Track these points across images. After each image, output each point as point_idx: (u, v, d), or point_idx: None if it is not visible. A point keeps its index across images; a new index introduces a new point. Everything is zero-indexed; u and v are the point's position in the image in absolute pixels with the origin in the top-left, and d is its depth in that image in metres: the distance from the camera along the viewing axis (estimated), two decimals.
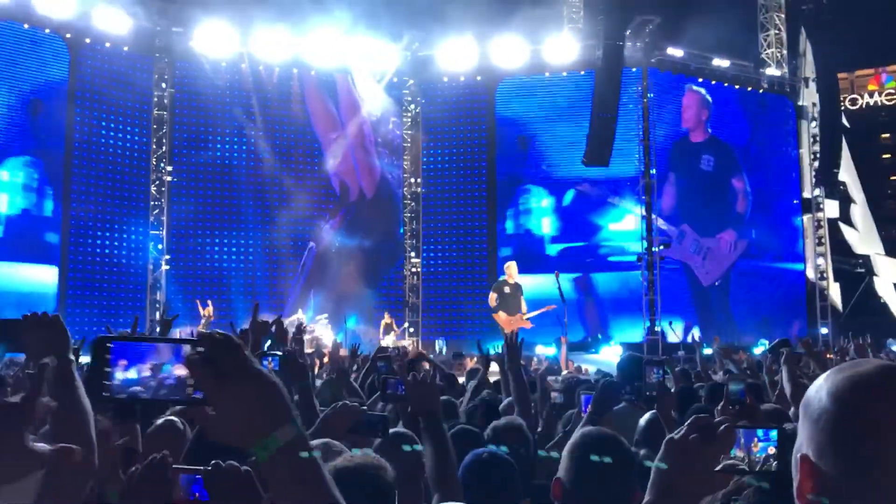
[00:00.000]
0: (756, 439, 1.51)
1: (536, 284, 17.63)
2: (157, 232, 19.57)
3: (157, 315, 19.18)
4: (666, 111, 22.56)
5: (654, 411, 3.26)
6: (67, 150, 18.86)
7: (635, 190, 21.44)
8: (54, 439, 1.91)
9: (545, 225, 22.42)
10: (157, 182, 19.79)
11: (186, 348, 1.23)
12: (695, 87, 22.85)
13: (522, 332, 15.07)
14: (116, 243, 19.34)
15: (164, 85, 19.95)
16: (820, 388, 1.14)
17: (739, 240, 23.16)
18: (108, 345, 1.21)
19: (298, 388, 3.32)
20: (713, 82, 23.04)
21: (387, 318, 19.56)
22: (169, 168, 19.91)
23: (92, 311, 18.33)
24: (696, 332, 19.83)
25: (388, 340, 18.30)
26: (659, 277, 20.95)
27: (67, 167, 18.82)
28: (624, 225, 22.08)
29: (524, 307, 15.58)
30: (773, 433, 1.52)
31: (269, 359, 3.53)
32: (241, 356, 1.19)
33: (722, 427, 1.43)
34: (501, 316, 15.47)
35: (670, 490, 1.49)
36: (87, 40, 18.86)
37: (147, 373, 1.19)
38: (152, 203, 19.67)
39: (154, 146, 19.78)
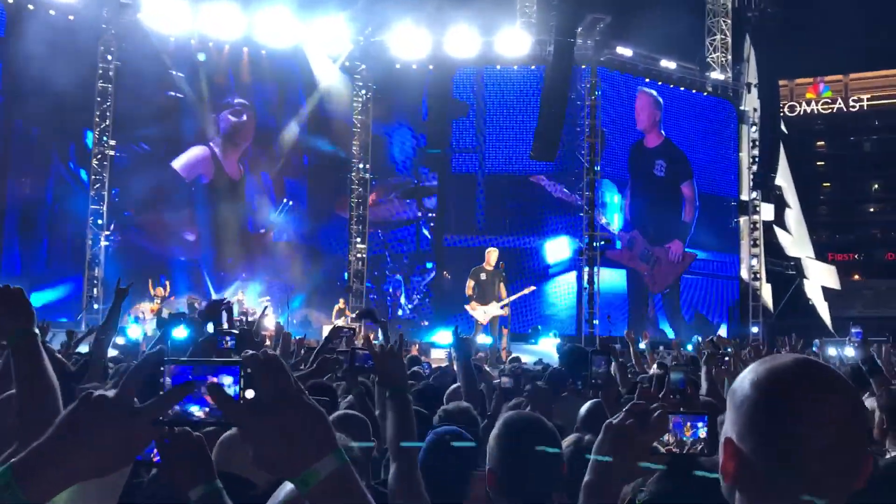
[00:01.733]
0: (689, 425, 1.66)
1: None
2: (98, 207, 19.13)
3: (95, 292, 18.82)
4: (615, 110, 22.90)
5: (596, 399, 3.43)
6: (6, 118, 18.33)
7: (579, 185, 21.78)
8: (21, 416, 1.92)
9: None
10: (100, 156, 19.35)
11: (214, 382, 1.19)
12: (646, 90, 23.23)
13: (502, 319, 15.31)
14: (57, 219, 18.91)
15: (109, 57, 19.46)
16: (744, 378, 1.27)
17: (687, 251, 23.62)
18: (162, 368, 1.20)
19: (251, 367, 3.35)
20: (660, 83, 23.50)
21: (340, 304, 19.55)
22: (112, 142, 19.47)
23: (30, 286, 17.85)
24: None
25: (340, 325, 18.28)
26: (598, 273, 21.38)
27: (7, 137, 18.31)
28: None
29: (504, 293, 15.49)
30: (703, 420, 1.67)
31: (226, 338, 3.57)
32: (286, 381, 1.15)
33: (656, 413, 1.58)
34: (475, 308, 15.47)
35: (607, 471, 1.61)
36: (31, 7, 18.29)
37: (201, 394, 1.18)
38: (93, 178, 19.22)
39: (97, 119, 19.31)
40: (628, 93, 23.19)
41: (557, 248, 21.93)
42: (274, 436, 1.12)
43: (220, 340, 3.58)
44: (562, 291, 21.79)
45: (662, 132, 23.50)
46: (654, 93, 23.35)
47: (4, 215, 18.31)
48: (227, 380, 1.19)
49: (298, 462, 1.12)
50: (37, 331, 2.03)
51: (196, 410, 1.19)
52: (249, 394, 1.16)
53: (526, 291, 16.30)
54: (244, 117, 21.16)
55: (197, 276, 20.17)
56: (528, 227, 22.01)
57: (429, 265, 22.61)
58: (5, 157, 18.48)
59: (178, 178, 20.26)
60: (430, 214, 22.74)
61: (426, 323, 21.59)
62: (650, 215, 23.06)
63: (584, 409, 3.46)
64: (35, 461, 1.12)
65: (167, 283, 17.46)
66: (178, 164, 20.29)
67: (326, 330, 17.90)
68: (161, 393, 1.19)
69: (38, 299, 16.77)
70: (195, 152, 20.51)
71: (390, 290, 22.62)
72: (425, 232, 22.75)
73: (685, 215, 23.68)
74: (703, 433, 1.67)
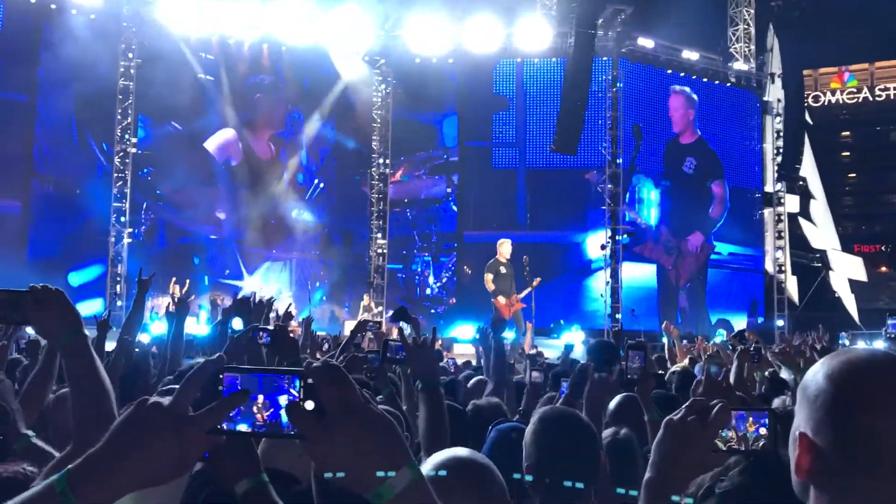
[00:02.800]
0: (752, 420, 1.61)
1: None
2: (120, 204, 19.27)
3: (118, 288, 18.96)
4: (637, 103, 22.73)
5: (625, 393, 3.38)
6: (30, 116, 18.55)
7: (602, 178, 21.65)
8: (76, 418, 1.90)
9: None
10: (122, 153, 19.47)
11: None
12: (678, 87, 23.06)
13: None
14: (79, 215, 19.10)
15: (130, 55, 19.57)
16: (817, 373, 1.25)
17: (706, 243, 23.46)
18: (221, 376, 1.16)
19: (289, 364, 3.33)
20: (682, 74, 23.27)
21: (366, 300, 19.58)
22: (133, 140, 19.60)
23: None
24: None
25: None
26: (620, 267, 21.26)
27: (28, 137, 18.51)
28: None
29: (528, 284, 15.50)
30: (765, 416, 1.61)
31: (261, 334, 3.54)
32: (352, 392, 1.11)
33: (716, 408, 1.53)
34: (501, 301, 15.44)
35: (669, 468, 1.59)
36: (53, 6, 18.45)
37: (257, 405, 1.14)
38: (115, 175, 19.35)
39: (119, 117, 19.43)
40: (650, 84, 22.99)
41: (599, 243, 21.74)
42: (345, 450, 1.09)
43: (255, 336, 3.56)
44: (601, 286, 21.62)
45: (697, 131, 23.34)
46: (688, 90, 23.13)
47: (29, 210, 18.51)
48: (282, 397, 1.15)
49: (372, 476, 1.08)
50: (86, 332, 2.02)
51: (244, 428, 1.15)
52: (309, 405, 1.12)
53: (534, 284, 16.11)
54: (272, 97, 21.26)
55: (225, 255, 20.43)
56: (570, 222, 21.90)
57: (455, 245, 22.56)
58: (29, 155, 18.65)
59: (209, 158, 20.41)
60: (457, 191, 22.69)
61: (454, 300, 21.63)
62: (675, 210, 22.95)
63: (613, 403, 3.42)
64: (90, 469, 1.10)
65: (187, 282, 17.54)
66: (209, 145, 20.45)
67: (350, 326, 18.04)
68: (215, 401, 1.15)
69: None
70: (225, 135, 20.66)
71: (418, 269, 22.61)
72: (454, 208, 22.67)
73: (713, 211, 23.51)
74: (763, 429, 1.61)
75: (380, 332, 8.44)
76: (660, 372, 6.23)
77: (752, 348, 5.23)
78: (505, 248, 15.81)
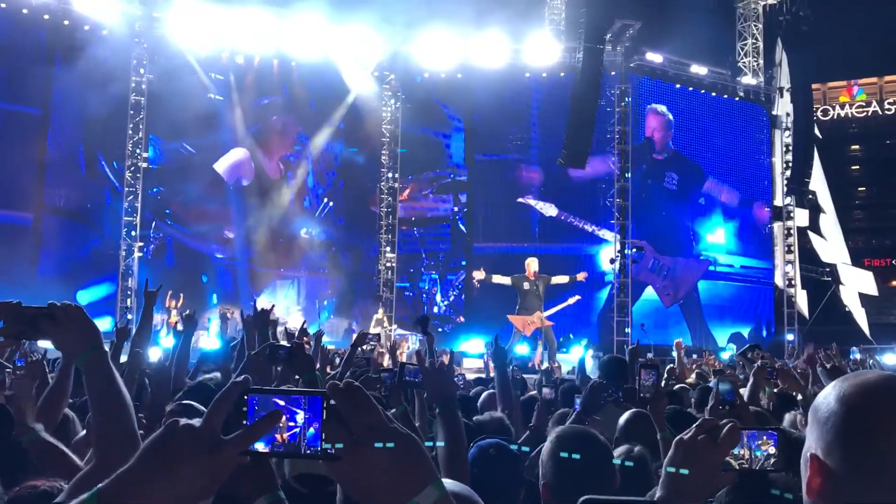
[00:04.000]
0: (764, 439, 1.62)
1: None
2: (131, 218, 19.37)
3: (129, 302, 19.03)
4: (644, 117, 22.80)
5: (634, 410, 3.39)
6: (41, 134, 18.72)
7: (609, 192, 21.65)
8: (96, 434, 1.92)
9: None
10: (133, 168, 19.59)
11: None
12: (657, 108, 23.07)
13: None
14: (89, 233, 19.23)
15: (142, 70, 19.72)
16: (828, 395, 1.26)
17: (700, 261, 23.38)
18: (246, 397, 1.16)
19: (304, 380, 3.34)
20: (690, 88, 23.31)
21: (380, 313, 19.61)
22: (145, 155, 19.72)
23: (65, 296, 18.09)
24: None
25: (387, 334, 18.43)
26: (630, 281, 21.22)
27: (41, 152, 18.67)
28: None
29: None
30: (774, 435, 1.63)
31: (278, 350, 3.55)
32: (374, 412, 1.12)
33: (727, 427, 1.55)
34: (516, 319, 15.53)
35: (679, 487, 1.59)
36: (66, 22, 18.64)
37: (284, 426, 1.14)
38: (127, 189, 19.46)
39: (130, 132, 19.56)
40: (659, 99, 23.03)
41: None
42: (372, 470, 1.09)
43: (271, 354, 3.57)
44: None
45: (671, 146, 23.32)
46: (665, 109, 23.11)
47: (41, 223, 18.63)
48: (299, 415, 1.15)
49: (399, 496, 1.09)
50: (105, 348, 2.03)
51: (261, 447, 1.15)
52: (330, 427, 1.13)
53: (570, 302, 16.25)
54: (282, 118, 21.41)
55: (234, 274, 20.52)
56: (583, 235, 21.98)
57: (463, 262, 22.57)
58: (42, 167, 18.79)
59: (219, 178, 20.54)
60: (464, 210, 22.73)
61: (462, 319, 21.63)
62: (659, 226, 22.83)
63: (622, 419, 3.42)
64: (120, 489, 1.11)
65: (181, 295, 17.59)
66: (219, 166, 20.56)
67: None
68: (246, 424, 1.15)
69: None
70: (236, 155, 20.78)
71: (426, 287, 22.63)
72: (461, 227, 22.70)
73: (699, 225, 23.44)
74: (772, 449, 1.62)
75: (394, 345, 8.48)
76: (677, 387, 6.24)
77: (766, 367, 5.19)
78: (532, 265, 15.97)
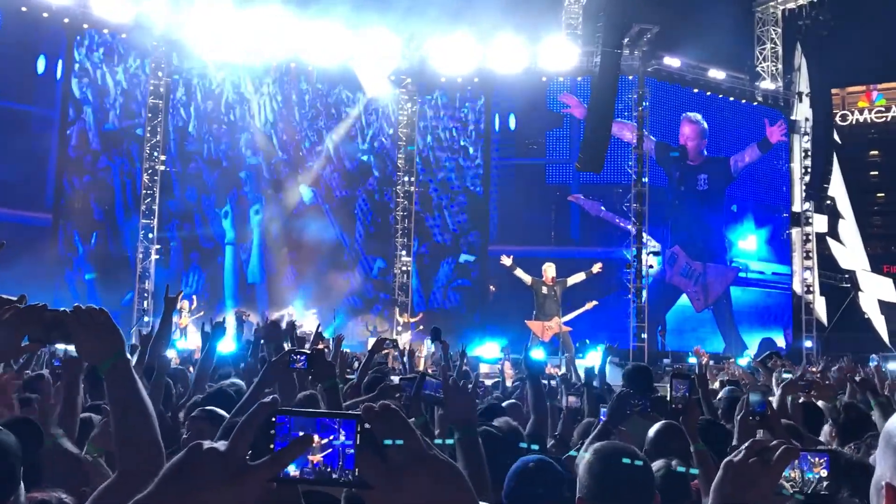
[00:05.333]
0: (817, 460, 1.55)
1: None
2: (148, 221, 19.43)
3: (146, 304, 19.09)
4: (663, 121, 22.67)
5: (664, 421, 3.31)
6: (61, 136, 18.83)
7: (626, 197, 21.54)
8: (118, 443, 1.88)
9: None
10: (150, 171, 19.66)
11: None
12: (691, 117, 22.97)
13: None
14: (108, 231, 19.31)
15: (160, 74, 19.81)
16: None
17: (730, 267, 23.31)
18: (274, 419, 1.09)
19: (325, 387, 3.30)
20: (708, 93, 23.17)
21: (405, 317, 19.60)
22: (162, 157, 19.79)
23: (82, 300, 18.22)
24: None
25: (404, 339, 18.39)
26: (646, 286, 21.09)
27: (63, 149, 18.79)
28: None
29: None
30: (826, 457, 1.56)
31: (298, 357, 3.52)
32: (413, 437, 1.05)
33: (781, 449, 1.46)
34: (534, 325, 15.48)
35: None
36: (86, 25, 18.77)
37: (315, 450, 1.07)
38: (144, 192, 19.53)
39: (148, 135, 19.64)
40: (676, 103, 22.92)
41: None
42: (408, 499, 1.03)
43: (291, 361, 3.52)
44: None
45: (705, 152, 23.28)
46: (699, 118, 23.04)
47: (58, 226, 18.71)
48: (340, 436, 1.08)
49: None
50: (129, 355, 1.98)
51: (292, 470, 1.08)
52: (365, 452, 1.06)
53: (588, 307, 16.15)
54: (299, 121, 21.49)
55: (246, 276, 20.64)
56: (616, 239, 21.88)
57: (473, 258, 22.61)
58: (60, 169, 18.89)
59: (234, 180, 20.67)
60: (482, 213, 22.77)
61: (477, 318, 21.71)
62: (692, 231, 22.75)
63: (652, 431, 3.34)
64: None
65: (193, 297, 17.62)
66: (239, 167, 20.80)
67: (404, 339, 18.05)
68: (274, 446, 1.08)
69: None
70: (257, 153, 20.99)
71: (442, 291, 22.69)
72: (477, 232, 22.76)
73: (729, 229, 23.34)
74: (824, 472, 1.55)
75: (410, 350, 8.45)
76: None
77: (802, 381, 5.08)
78: (549, 271, 15.91)
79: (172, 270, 19.63)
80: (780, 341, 22.91)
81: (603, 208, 21.83)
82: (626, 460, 2.21)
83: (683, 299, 22.41)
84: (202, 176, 20.34)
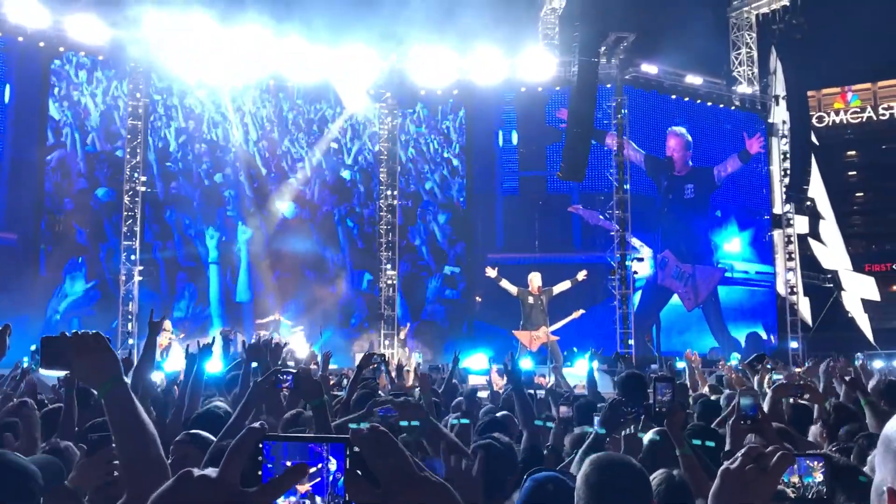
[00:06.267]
0: (816, 464, 1.54)
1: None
2: (130, 243, 19.28)
3: (129, 326, 18.92)
4: (642, 128, 22.84)
5: (657, 429, 3.29)
6: (39, 160, 18.71)
7: (609, 205, 21.68)
8: (124, 465, 1.87)
9: None
10: (131, 192, 19.53)
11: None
12: (676, 130, 23.25)
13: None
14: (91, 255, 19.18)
15: (137, 95, 19.71)
16: None
17: (716, 268, 23.71)
18: (261, 445, 1.07)
19: (313, 406, 3.27)
20: (686, 99, 23.35)
21: (402, 333, 19.55)
22: (143, 178, 19.67)
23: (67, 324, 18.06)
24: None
25: (395, 353, 18.36)
26: (632, 293, 21.17)
27: (40, 175, 18.68)
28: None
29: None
30: (821, 461, 1.55)
31: (284, 376, 3.48)
32: (403, 459, 1.05)
33: (778, 455, 1.44)
34: (522, 335, 15.46)
35: None
36: (62, 49, 18.69)
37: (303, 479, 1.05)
38: (125, 213, 19.39)
39: (128, 156, 19.52)
40: (655, 109, 23.10)
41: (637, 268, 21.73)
42: None
43: (278, 381, 3.49)
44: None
45: (690, 163, 23.58)
46: (684, 131, 23.33)
47: (38, 247, 18.56)
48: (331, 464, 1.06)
49: None
50: (126, 380, 1.98)
51: (281, 502, 1.06)
52: (354, 477, 1.05)
53: (575, 315, 16.16)
54: (279, 138, 21.46)
55: (232, 301, 20.48)
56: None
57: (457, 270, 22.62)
58: (40, 192, 18.76)
59: (216, 198, 20.60)
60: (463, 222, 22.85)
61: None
62: (680, 235, 23.18)
63: (646, 439, 3.33)
64: None
65: (164, 315, 17.46)
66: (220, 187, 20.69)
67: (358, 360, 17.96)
68: (262, 473, 1.06)
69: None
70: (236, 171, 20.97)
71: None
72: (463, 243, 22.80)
73: (714, 233, 23.60)
74: (819, 476, 1.54)
75: (387, 364, 8.42)
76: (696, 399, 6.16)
77: (797, 383, 5.07)
78: (535, 281, 15.90)
79: (164, 293, 19.57)
80: (765, 335, 23.69)
81: (601, 217, 21.94)
82: (622, 470, 2.20)
83: (675, 299, 22.92)
84: (185, 196, 20.24)
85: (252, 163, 21.12)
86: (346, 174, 22.50)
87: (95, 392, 1.95)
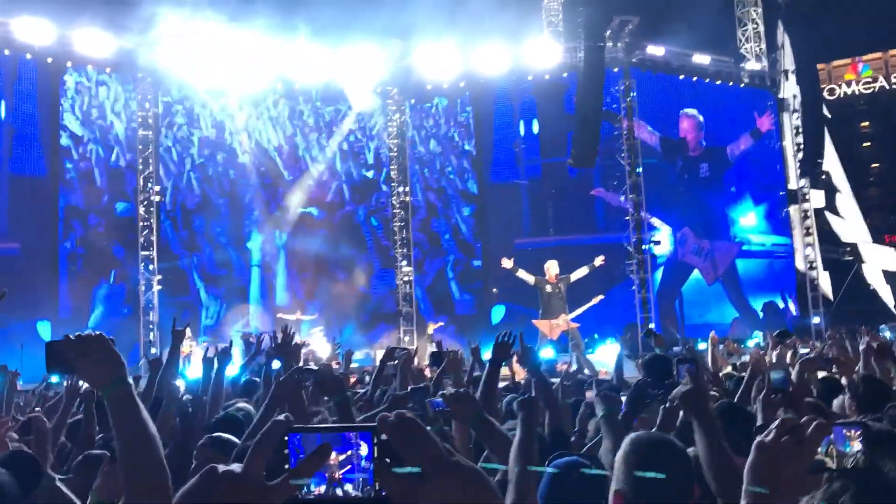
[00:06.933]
0: (853, 433, 1.50)
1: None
2: (147, 253, 19.41)
3: (151, 336, 19.06)
4: (653, 111, 22.70)
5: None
6: (52, 174, 18.84)
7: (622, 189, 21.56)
8: (125, 467, 1.87)
9: None
10: (146, 203, 19.65)
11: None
12: (689, 112, 23.10)
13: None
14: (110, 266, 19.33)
15: (147, 105, 19.82)
16: None
17: (734, 242, 23.63)
18: (286, 437, 1.06)
19: (336, 403, 3.27)
20: (694, 79, 23.17)
21: (430, 328, 19.61)
22: (157, 188, 19.79)
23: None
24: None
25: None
26: (651, 274, 21.08)
27: (54, 188, 18.80)
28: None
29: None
30: (859, 429, 1.51)
31: (306, 374, 3.48)
32: (432, 445, 1.02)
33: (813, 425, 1.41)
34: (542, 324, 15.45)
35: (768, 494, 1.43)
36: (69, 63, 18.81)
37: (333, 466, 1.04)
38: (141, 224, 19.51)
39: (140, 166, 19.64)
40: (664, 92, 22.95)
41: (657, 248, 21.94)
42: None
43: (299, 379, 3.49)
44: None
45: (704, 143, 23.45)
46: (696, 112, 23.18)
47: (57, 260, 18.70)
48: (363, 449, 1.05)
49: None
50: (130, 380, 1.98)
51: (317, 490, 1.04)
52: (383, 465, 1.03)
53: (594, 301, 16.11)
54: (289, 140, 21.50)
55: (254, 294, 20.76)
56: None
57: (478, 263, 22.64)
58: (55, 203, 18.88)
59: (230, 203, 20.81)
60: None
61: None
62: (697, 212, 23.10)
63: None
64: None
65: (187, 324, 17.57)
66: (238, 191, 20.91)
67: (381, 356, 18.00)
68: (289, 466, 1.05)
69: None
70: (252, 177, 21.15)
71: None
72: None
73: (730, 209, 23.63)
74: (858, 444, 1.51)
75: (409, 360, 8.41)
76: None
77: (821, 357, 5.03)
78: (552, 269, 15.86)
79: (193, 301, 19.75)
80: (782, 304, 23.81)
81: (622, 198, 21.85)
82: (664, 449, 2.18)
83: (696, 274, 23.00)
84: (213, 204, 20.43)
85: (272, 167, 21.25)
86: (369, 174, 22.62)
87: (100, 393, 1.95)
